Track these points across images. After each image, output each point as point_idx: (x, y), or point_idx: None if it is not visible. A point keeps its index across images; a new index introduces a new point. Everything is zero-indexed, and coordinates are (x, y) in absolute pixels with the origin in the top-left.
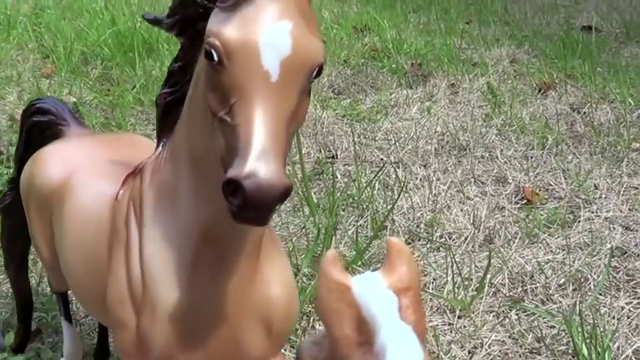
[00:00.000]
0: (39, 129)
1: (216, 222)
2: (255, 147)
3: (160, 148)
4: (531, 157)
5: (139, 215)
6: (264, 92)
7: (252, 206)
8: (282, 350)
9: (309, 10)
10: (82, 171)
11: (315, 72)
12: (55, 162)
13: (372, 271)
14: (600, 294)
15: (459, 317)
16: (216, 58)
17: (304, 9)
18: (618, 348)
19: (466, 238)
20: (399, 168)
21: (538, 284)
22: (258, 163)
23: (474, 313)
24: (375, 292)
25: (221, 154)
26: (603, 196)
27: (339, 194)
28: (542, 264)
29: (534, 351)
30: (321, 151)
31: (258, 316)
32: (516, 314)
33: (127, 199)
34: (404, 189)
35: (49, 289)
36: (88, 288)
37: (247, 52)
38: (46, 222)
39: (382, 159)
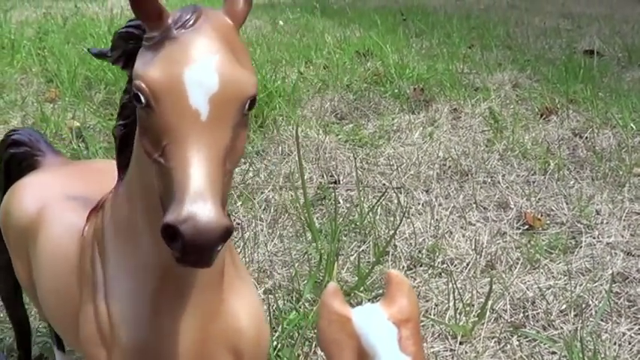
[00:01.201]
0: (16, 161)
1: None
2: (191, 190)
3: (120, 182)
4: (533, 183)
5: (102, 252)
6: (196, 132)
7: (192, 250)
8: None
9: (238, 41)
10: (55, 204)
11: (247, 104)
12: (29, 195)
13: (374, 298)
14: (601, 320)
15: (461, 343)
16: (143, 100)
17: (232, 41)
18: None
19: (468, 264)
20: (401, 193)
21: (539, 310)
22: (195, 206)
23: (475, 339)
24: (375, 323)
25: (160, 196)
26: (605, 221)
27: (341, 220)
28: (544, 290)
29: None
30: (323, 177)
31: (228, 348)
32: (518, 340)
33: (91, 235)
34: (406, 214)
35: None
36: (63, 322)
37: (174, 92)
38: (23, 255)
39: (384, 184)
